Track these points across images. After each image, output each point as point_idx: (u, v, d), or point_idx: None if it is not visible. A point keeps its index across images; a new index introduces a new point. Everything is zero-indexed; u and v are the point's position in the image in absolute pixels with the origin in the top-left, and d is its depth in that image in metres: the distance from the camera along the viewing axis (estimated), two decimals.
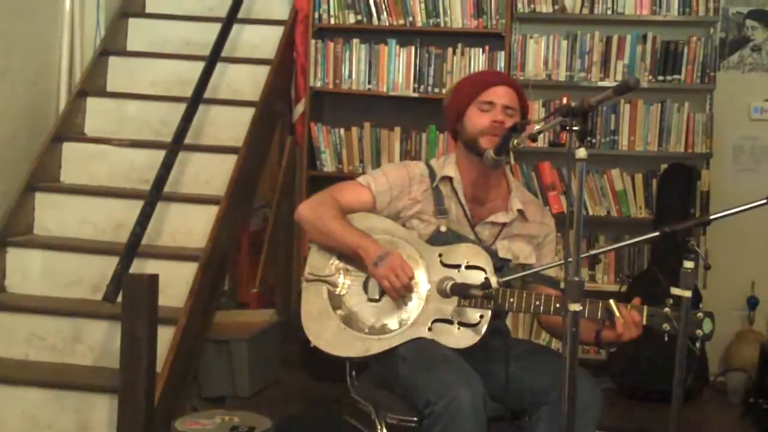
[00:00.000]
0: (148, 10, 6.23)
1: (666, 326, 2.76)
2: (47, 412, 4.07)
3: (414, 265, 3.01)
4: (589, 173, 5.51)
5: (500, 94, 3.10)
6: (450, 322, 2.96)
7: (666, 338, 2.76)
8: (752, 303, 5.69)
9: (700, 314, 2.76)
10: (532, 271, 2.93)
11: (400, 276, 2.92)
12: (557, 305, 2.83)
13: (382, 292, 3.01)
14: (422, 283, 3.00)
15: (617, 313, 2.77)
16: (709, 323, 2.77)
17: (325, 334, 3.03)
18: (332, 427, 3.44)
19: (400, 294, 2.95)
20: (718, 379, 5.48)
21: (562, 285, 3.16)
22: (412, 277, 2.95)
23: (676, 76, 5.51)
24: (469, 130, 3.10)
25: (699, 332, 2.76)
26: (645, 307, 2.81)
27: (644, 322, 2.79)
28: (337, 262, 3.09)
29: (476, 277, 2.92)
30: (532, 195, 3.43)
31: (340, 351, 3.02)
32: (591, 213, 5.52)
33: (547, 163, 5.54)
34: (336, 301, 3.06)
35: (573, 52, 5.58)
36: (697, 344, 2.85)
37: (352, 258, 3.05)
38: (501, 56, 5.58)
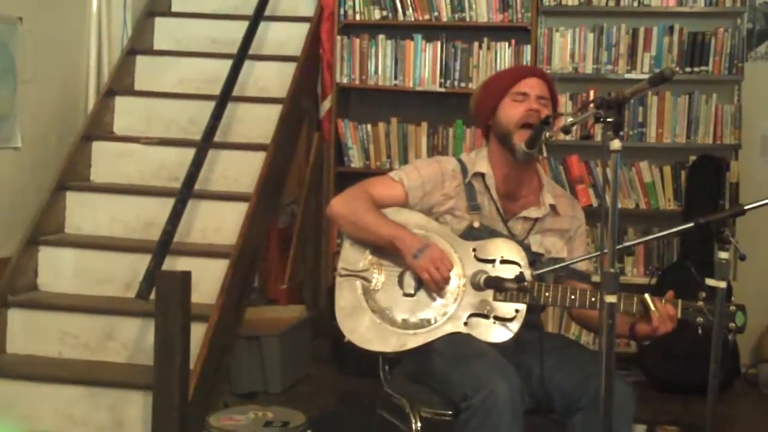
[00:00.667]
0: (174, 9, 6.25)
1: (700, 319, 2.77)
2: (81, 410, 4.10)
3: None
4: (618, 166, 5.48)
5: (533, 85, 3.09)
6: (486, 316, 2.96)
7: (700, 331, 2.76)
8: None
9: (732, 307, 2.77)
10: (565, 264, 2.93)
11: (440, 268, 2.92)
12: (593, 299, 2.83)
13: (418, 287, 3.01)
14: (457, 278, 3.00)
15: (653, 308, 2.77)
16: (741, 316, 2.77)
17: (360, 329, 3.03)
18: (366, 422, 3.44)
19: (440, 286, 2.95)
20: (750, 371, 5.46)
21: (592, 279, 3.17)
22: (451, 269, 2.96)
23: (703, 68, 5.49)
24: (504, 122, 3.08)
25: (732, 325, 2.76)
26: (679, 301, 2.80)
27: (679, 316, 2.79)
28: (371, 256, 3.09)
29: (511, 272, 2.92)
30: (562, 189, 3.43)
31: (376, 346, 3.02)
32: (620, 205, 5.44)
33: (575, 156, 5.53)
34: (370, 296, 3.05)
35: (599, 44, 5.57)
36: (730, 337, 2.83)
37: (388, 251, 3.04)
38: (527, 50, 5.57)
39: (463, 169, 3.15)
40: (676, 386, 5.03)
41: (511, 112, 3.07)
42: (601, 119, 2.30)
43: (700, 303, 2.78)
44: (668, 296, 2.82)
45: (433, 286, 2.94)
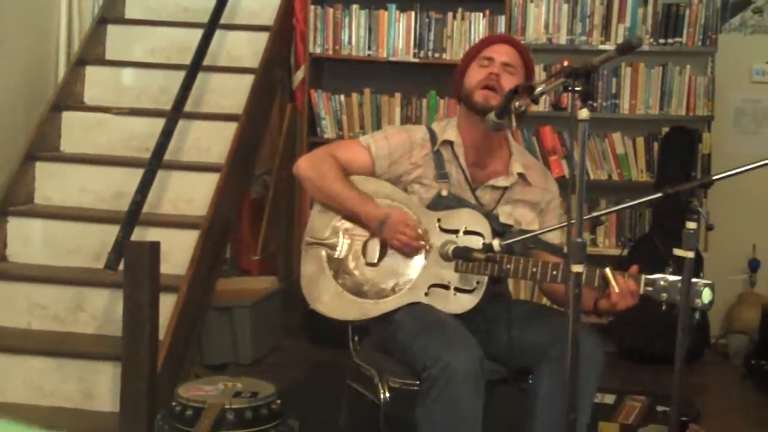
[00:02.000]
0: None
1: (664, 295, 2.69)
2: (50, 381, 4.08)
3: None
4: (591, 137, 5.50)
5: (501, 51, 3.11)
6: (446, 287, 2.96)
7: (664, 307, 2.71)
8: (753, 265, 5.69)
9: (699, 284, 2.68)
10: (533, 233, 2.90)
11: (406, 232, 2.93)
12: (554, 272, 2.79)
13: (381, 256, 3.02)
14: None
15: (613, 282, 2.70)
16: (708, 293, 2.68)
17: (323, 297, 3.04)
18: (336, 392, 3.45)
19: (416, 247, 2.95)
20: (720, 342, 5.50)
21: (565, 251, 3.16)
22: (417, 227, 2.96)
23: (677, 39, 5.49)
24: (467, 85, 3.10)
25: (698, 302, 2.66)
26: (643, 277, 2.73)
27: (641, 292, 2.72)
28: (338, 223, 3.09)
29: (474, 243, 2.91)
30: (534, 159, 3.42)
31: (338, 314, 3.03)
32: (592, 177, 5.51)
33: (548, 127, 5.54)
34: (334, 265, 3.06)
35: (574, 15, 5.55)
36: (696, 314, 2.80)
37: (354, 222, 3.06)
38: (501, 20, 5.55)
39: (433, 138, 3.15)
40: (646, 357, 5.06)
41: (474, 74, 3.10)
42: (570, 88, 2.28)
43: (665, 279, 2.72)
44: (632, 270, 2.74)
45: (408, 249, 2.95)
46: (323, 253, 3.09)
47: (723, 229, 5.33)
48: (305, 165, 3.15)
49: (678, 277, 2.61)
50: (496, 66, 3.07)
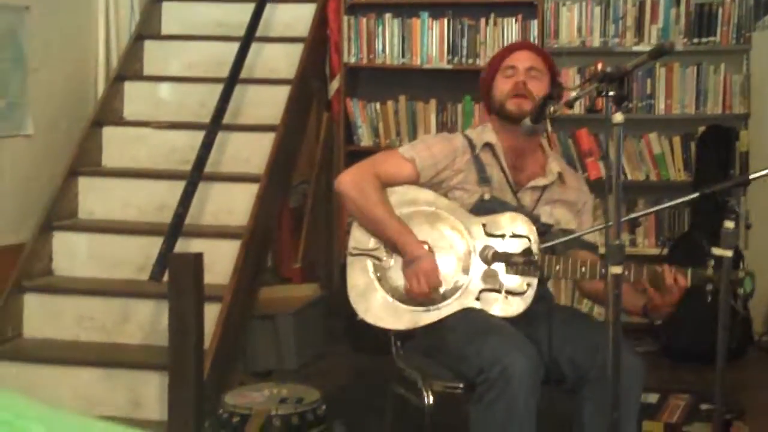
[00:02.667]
0: None
1: (710, 287, 2.75)
2: (99, 391, 4.16)
3: (458, 235, 3.03)
4: (627, 138, 5.51)
5: (521, 58, 3.13)
6: (498, 291, 2.98)
7: (709, 299, 2.76)
8: None
9: (741, 273, 2.76)
10: (573, 236, 2.94)
11: (421, 284, 2.95)
12: (603, 270, 2.83)
13: None
14: (468, 254, 3.03)
15: (667, 277, 2.77)
16: (749, 282, 2.75)
17: (373, 307, 3.06)
18: (380, 397, 3.48)
19: (418, 301, 2.99)
20: (763, 339, 5.48)
21: (601, 250, 3.19)
22: (437, 287, 2.98)
23: (711, 38, 5.49)
24: (497, 97, 3.13)
25: (740, 291, 2.76)
26: (689, 270, 2.79)
27: (688, 284, 2.78)
28: None
29: (520, 246, 2.94)
30: (565, 163, 3.45)
31: (389, 324, 3.06)
32: (630, 177, 5.51)
33: (584, 129, 5.55)
34: (382, 275, 3.08)
35: (606, 17, 5.57)
36: (738, 303, 2.83)
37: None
38: (534, 25, 5.58)
39: (471, 144, 3.17)
40: (689, 355, 5.04)
41: (501, 86, 3.12)
42: (604, 93, 2.31)
43: (709, 271, 2.78)
44: (677, 269, 2.82)
45: (413, 297, 2.98)
46: (369, 263, 3.10)
47: (763, 227, 5.33)
48: (348, 183, 3.12)
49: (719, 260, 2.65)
50: (521, 74, 3.10)
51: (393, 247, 3.06)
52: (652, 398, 4.13)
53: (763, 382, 4.97)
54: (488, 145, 3.14)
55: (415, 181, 3.12)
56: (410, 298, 3.00)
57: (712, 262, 2.75)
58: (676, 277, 2.78)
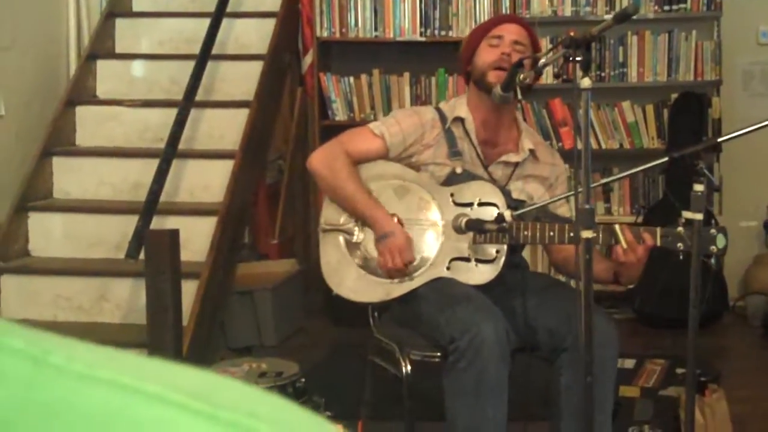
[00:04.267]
0: None
1: (680, 245, 2.75)
2: None
3: (426, 206, 3.05)
4: (600, 107, 5.53)
5: (510, 30, 3.11)
6: (467, 259, 3.01)
7: (681, 257, 2.78)
8: None
9: (713, 230, 2.74)
10: (544, 202, 2.95)
11: (395, 259, 2.97)
12: (571, 234, 2.84)
13: None
14: (437, 224, 3.05)
15: (621, 237, 2.76)
16: (722, 238, 2.75)
17: (346, 281, 3.08)
18: (359, 369, 3.50)
19: (390, 274, 3.01)
20: (738, 304, 5.53)
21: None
22: (410, 261, 3.00)
23: (682, 5, 5.50)
24: (479, 65, 3.11)
25: (713, 248, 2.74)
26: (658, 229, 2.79)
27: (658, 244, 2.78)
28: None
29: (489, 214, 2.95)
30: (541, 137, 3.46)
31: (363, 297, 3.08)
32: (604, 146, 5.54)
33: (557, 99, 5.56)
34: (354, 249, 3.10)
35: None
36: (712, 261, 2.84)
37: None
38: None
39: (442, 117, 3.17)
40: (665, 322, 5.09)
41: (485, 54, 3.09)
42: (571, 58, 2.32)
43: (680, 229, 2.78)
44: (645, 227, 2.84)
45: (385, 272, 3.00)
46: (341, 238, 3.13)
47: (737, 192, 5.38)
48: (318, 161, 3.15)
49: (691, 221, 2.66)
50: (506, 45, 3.07)
51: (364, 222, 3.08)
52: (629, 364, 4.18)
53: (738, 347, 5.04)
54: (459, 119, 3.15)
55: (385, 156, 3.14)
56: (384, 272, 3.02)
57: (683, 220, 2.76)
58: (643, 235, 2.78)
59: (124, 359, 0.49)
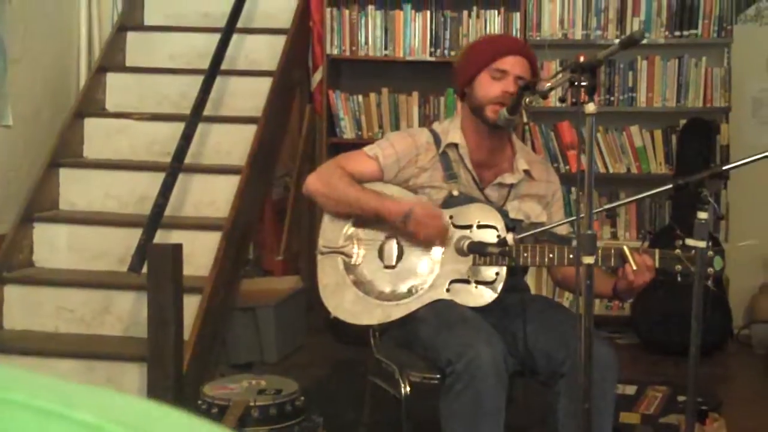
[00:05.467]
0: None
1: (678, 267, 2.79)
2: (79, 382, 4.14)
3: None
4: (608, 130, 5.53)
5: (513, 63, 3.05)
6: (467, 281, 3.00)
7: (679, 279, 2.79)
8: None
9: (710, 253, 2.75)
10: (546, 228, 2.96)
11: (429, 225, 2.97)
12: (570, 255, 2.84)
13: (399, 258, 3.06)
14: (436, 247, 3.04)
15: (630, 259, 2.78)
16: (719, 260, 2.77)
17: (345, 304, 3.08)
18: (358, 388, 3.50)
19: (443, 239, 2.99)
20: (743, 332, 5.50)
21: (575, 243, 3.19)
22: (442, 219, 3.00)
23: (692, 31, 5.50)
24: (479, 96, 3.06)
25: (711, 270, 2.76)
26: (657, 250, 2.82)
27: (656, 265, 2.81)
28: (349, 231, 3.13)
29: (489, 236, 2.95)
30: (535, 154, 3.46)
31: (361, 320, 3.08)
32: (611, 170, 5.53)
33: (565, 122, 5.56)
34: (352, 271, 3.10)
35: (588, 10, 5.57)
36: (709, 282, 2.85)
37: (370, 223, 3.08)
38: (516, 17, 5.58)
39: (437, 140, 3.16)
40: (669, 348, 5.06)
41: (487, 88, 3.05)
42: (576, 83, 2.32)
43: (678, 251, 2.80)
44: (643, 248, 2.87)
45: (435, 241, 2.98)
46: (339, 260, 3.12)
47: (743, 220, 5.36)
48: (314, 182, 3.15)
49: (690, 246, 2.67)
50: (510, 82, 3.02)
51: (378, 216, 3.05)
52: (630, 390, 4.16)
53: (741, 375, 5.01)
54: (453, 145, 3.14)
55: (380, 179, 3.14)
56: (427, 244, 3.00)
57: (680, 242, 2.77)
58: (643, 257, 2.80)
59: (62, 388, 0.48)
